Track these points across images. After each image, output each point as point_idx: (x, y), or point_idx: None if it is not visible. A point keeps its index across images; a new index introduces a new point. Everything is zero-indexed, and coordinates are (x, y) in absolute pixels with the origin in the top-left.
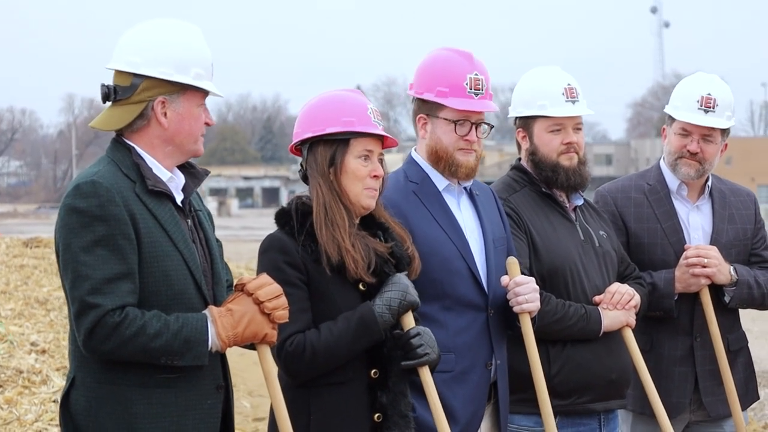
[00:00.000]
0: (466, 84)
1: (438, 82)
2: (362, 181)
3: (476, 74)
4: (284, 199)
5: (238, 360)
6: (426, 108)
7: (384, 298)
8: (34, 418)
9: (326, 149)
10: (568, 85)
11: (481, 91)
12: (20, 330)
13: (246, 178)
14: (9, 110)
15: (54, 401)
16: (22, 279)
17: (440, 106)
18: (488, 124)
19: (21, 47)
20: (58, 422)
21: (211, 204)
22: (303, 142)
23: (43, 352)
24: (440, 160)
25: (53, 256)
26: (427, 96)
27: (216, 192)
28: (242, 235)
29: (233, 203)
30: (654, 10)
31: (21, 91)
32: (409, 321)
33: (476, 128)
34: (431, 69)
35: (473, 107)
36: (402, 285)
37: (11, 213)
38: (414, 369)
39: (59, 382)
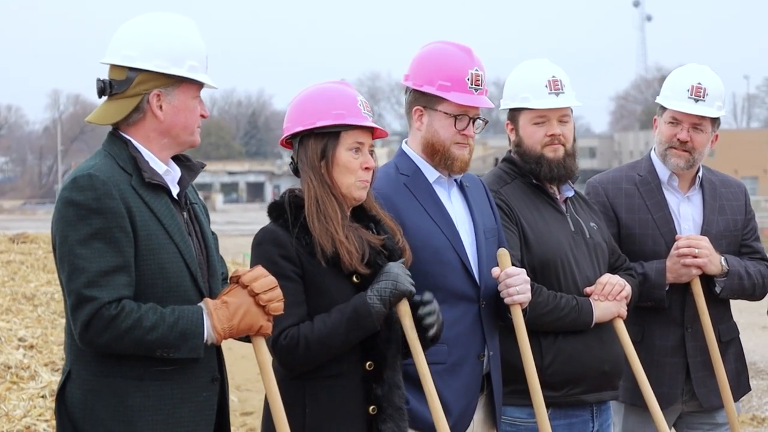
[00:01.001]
0: (468, 79)
1: (439, 76)
2: (354, 173)
3: (477, 70)
4: (269, 194)
5: (226, 354)
6: (424, 100)
7: (375, 289)
8: (22, 414)
9: (317, 142)
10: (553, 77)
11: (480, 87)
12: (8, 326)
13: (231, 173)
14: None
15: (42, 396)
16: (9, 274)
17: (440, 100)
18: (483, 119)
19: (6, 42)
20: (47, 417)
21: None
22: (293, 135)
23: (31, 347)
24: (436, 153)
25: (40, 252)
26: (426, 89)
27: (201, 187)
28: (227, 230)
29: (218, 198)
30: (636, 4)
31: (6, 87)
32: (405, 310)
33: (472, 123)
34: (432, 62)
35: (474, 102)
36: (392, 274)
37: None
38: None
39: (47, 378)
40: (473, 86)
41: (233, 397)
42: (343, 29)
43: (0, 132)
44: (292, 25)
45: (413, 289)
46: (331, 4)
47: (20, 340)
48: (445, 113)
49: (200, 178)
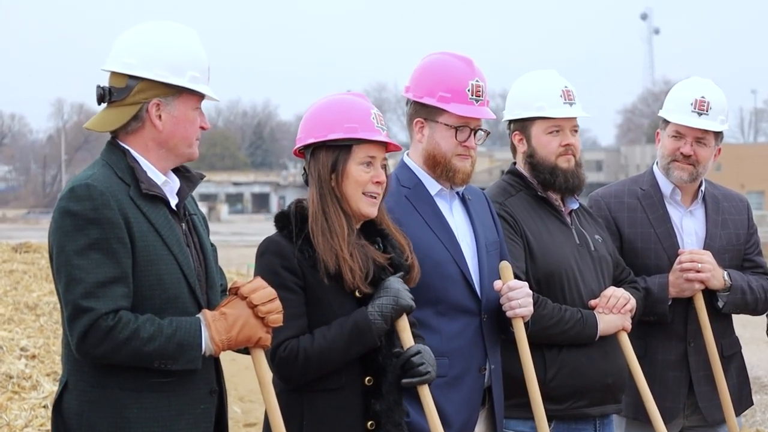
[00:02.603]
0: (468, 90)
1: (439, 87)
2: (363, 187)
3: (477, 81)
4: (274, 205)
5: (230, 365)
6: (424, 112)
7: (376, 304)
8: (24, 424)
9: (328, 155)
10: (566, 87)
11: (481, 98)
12: (10, 335)
13: (236, 184)
14: None
15: (44, 407)
16: (11, 284)
17: (440, 111)
18: (485, 130)
19: (10, 52)
20: (48, 428)
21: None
22: (306, 146)
23: (33, 357)
24: (437, 165)
25: (43, 261)
26: (427, 100)
27: (206, 197)
28: (232, 240)
29: (223, 209)
30: (644, 17)
31: (10, 96)
32: (404, 325)
33: (474, 134)
34: (432, 73)
35: (475, 114)
36: (393, 290)
37: (0, 218)
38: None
39: (49, 388)
40: (474, 97)
41: (237, 409)
42: (349, 40)
43: (3, 141)
44: (298, 36)
45: (414, 304)
46: (338, 14)
47: (22, 349)
48: (446, 125)
49: (205, 189)
